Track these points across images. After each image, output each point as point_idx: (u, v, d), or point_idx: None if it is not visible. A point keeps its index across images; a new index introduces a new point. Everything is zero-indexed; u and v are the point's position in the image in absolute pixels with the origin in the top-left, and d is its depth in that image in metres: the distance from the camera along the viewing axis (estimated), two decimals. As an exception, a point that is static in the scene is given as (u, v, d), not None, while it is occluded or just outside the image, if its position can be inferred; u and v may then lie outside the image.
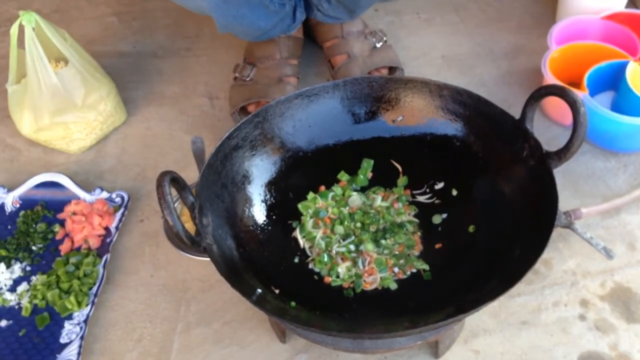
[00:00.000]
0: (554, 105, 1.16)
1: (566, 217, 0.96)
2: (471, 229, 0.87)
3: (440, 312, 0.74)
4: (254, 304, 0.71)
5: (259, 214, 0.90)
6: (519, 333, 0.91)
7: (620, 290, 0.95)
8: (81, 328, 0.94)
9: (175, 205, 1.00)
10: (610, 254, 0.97)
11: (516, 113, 0.85)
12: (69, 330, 0.94)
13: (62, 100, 1.13)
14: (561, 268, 0.98)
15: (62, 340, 0.93)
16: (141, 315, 0.97)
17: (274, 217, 0.90)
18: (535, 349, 0.90)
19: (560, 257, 0.99)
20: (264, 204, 0.91)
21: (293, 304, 0.79)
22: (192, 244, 0.74)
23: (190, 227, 0.75)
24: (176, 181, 0.76)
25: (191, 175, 1.12)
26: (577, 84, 1.13)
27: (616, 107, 1.16)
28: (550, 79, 1.12)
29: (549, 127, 1.17)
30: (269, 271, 0.83)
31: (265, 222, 0.90)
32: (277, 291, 0.81)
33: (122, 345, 0.94)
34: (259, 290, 0.78)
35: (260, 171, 0.92)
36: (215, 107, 1.29)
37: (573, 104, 0.77)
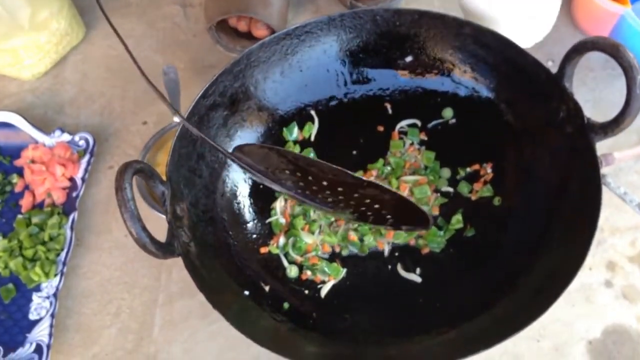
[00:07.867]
0: (586, 12, 0.98)
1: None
2: (496, 201, 0.75)
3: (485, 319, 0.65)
4: (240, 330, 0.61)
5: (243, 185, 0.77)
6: (538, 304, 0.83)
7: (652, 250, 0.85)
8: (51, 303, 0.84)
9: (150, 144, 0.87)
10: (645, 212, 0.86)
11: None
12: (38, 305, 0.85)
13: (5, 23, 0.94)
14: (587, 223, 0.87)
15: (32, 317, 0.84)
16: (117, 284, 0.87)
17: (262, 187, 0.77)
18: (555, 322, 0.81)
19: (587, 210, 0.88)
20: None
21: (286, 305, 0.69)
22: (164, 253, 0.62)
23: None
24: (142, 171, 0.63)
25: (165, 110, 0.97)
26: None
27: (657, 17, 0.99)
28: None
29: (576, 36, 1.00)
30: (256, 263, 0.72)
31: (250, 195, 0.77)
32: (267, 288, 0.70)
33: (99, 320, 0.85)
34: (247, 292, 0.68)
35: (243, 132, 0.78)
36: (190, 18, 1.10)
37: (629, 70, 0.62)
